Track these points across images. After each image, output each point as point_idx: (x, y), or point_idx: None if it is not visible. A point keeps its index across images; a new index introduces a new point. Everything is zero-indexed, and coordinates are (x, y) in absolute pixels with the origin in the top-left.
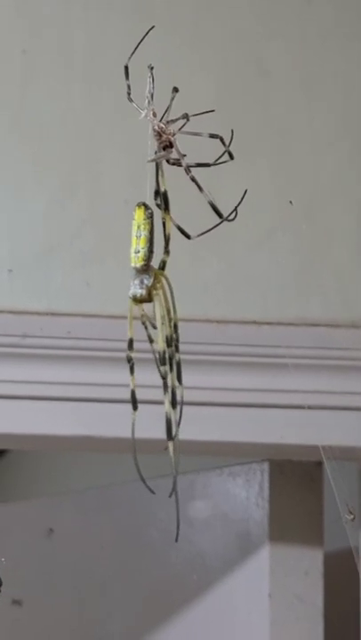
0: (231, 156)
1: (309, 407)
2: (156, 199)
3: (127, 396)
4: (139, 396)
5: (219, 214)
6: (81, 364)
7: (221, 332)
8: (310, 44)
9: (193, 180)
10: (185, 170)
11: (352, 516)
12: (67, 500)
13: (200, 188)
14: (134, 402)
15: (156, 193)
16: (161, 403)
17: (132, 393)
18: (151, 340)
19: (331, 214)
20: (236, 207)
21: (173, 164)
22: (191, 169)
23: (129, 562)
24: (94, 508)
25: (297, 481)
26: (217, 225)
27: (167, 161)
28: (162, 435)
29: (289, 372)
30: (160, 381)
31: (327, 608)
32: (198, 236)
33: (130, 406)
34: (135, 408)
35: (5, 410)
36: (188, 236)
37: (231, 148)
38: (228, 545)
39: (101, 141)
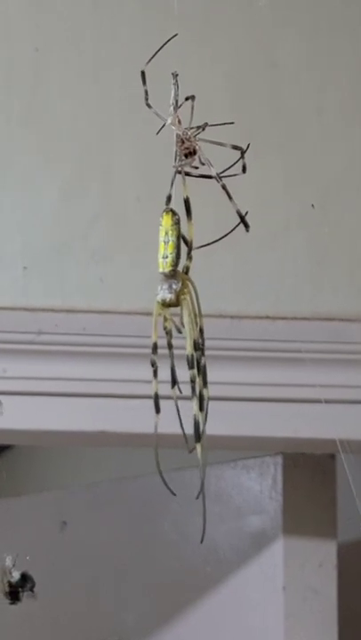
0: (244, 170)
1: (326, 401)
2: (167, 204)
3: (142, 391)
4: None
5: (245, 224)
6: (96, 361)
7: (235, 327)
8: (320, 35)
9: (224, 188)
10: (216, 178)
11: None
12: (80, 493)
13: (230, 197)
14: (157, 405)
15: (169, 199)
16: (178, 398)
17: (156, 396)
18: (170, 347)
19: (344, 208)
20: (242, 219)
21: (198, 175)
22: (222, 178)
23: (142, 555)
24: (108, 500)
25: (310, 473)
26: (220, 239)
27: (187, 173)
28: (178, 430)
29: (304, 366)
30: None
31: (341, 600)
32: (200, 247)
33: (145, 402)
34: (158, 411)
35: (21, 406)
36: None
37: (243, 143)
38: (242, 538)
39: (113, 138)
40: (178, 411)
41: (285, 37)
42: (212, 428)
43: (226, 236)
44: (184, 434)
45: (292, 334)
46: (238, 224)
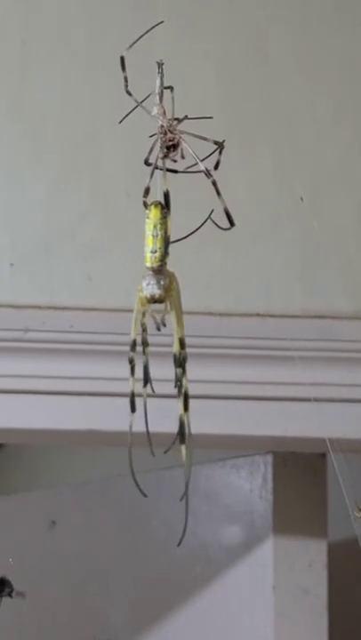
0: (216, 167)
1: (315, 399)
2: (145, 196)
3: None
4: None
5: (231, 222)
6: (83, 358)
7: (224, 325)
8: (311, 29)
9: (214, 184)
10: (205, 174)
11: None
12: (69, 492)
13: (218, 193)
14: (133, 404)
15: (147, 191)
16: (168, 396)
17: (132, 394)
18: (146, 345)
19: (336, 204)
20: (228, 216)
21: (173, 170)
22: (211, 172)
23: (131, 554)
24: (97, 499)
25: (300, 473)
26: (191, 233)
27: (169, 169)
28: (166, 429)
29: (294, 364)
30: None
31: (331, 599)
32: (175, 241)
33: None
34: (133, 410)
35: (8, 404)
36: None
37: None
38: (232, 537)
39: (102, 133)
40: (145, 411)
41: (275, 34)
42: (201, 427)
43: (197, 230)
44: (148, 434)
45: (281, 332)
46: (207, 218)
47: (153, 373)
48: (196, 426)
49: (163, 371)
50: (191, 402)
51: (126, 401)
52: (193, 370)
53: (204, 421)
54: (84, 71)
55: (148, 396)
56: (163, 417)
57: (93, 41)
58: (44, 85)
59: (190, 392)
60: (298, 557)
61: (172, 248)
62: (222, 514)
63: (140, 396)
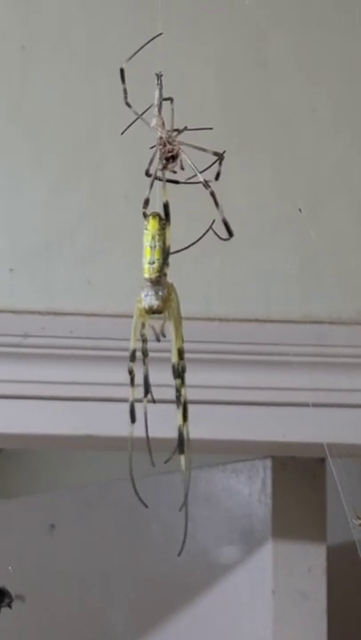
0: (217, 177)
1: (314, 404)
2: (145, 207)
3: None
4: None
5: (229, 232)
6: (83, 364)
7: (223, 330)
8: (310, 30)
9: (212, 195)
10: (203, 185)
11: (360, 522)
12: (68, 496)
13: (217, 204)
14: (132, 414)
15: (146, 202)
16: (167, 402)
17: (132, 405)
18: (145, 355)
19: (334, 209)
20: (227, 226)
21: (168, 180)
22: (210, 183)
23: (131, 558)
24: (96, 503)
25: (300, 477)
26: (192, 244)
27: (168, 180)
28: (165, 434)
29: (292, 369)
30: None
31: (330, 603)
32: (175, 252)
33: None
34: (133, 421)
35: (7, 410)
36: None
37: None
38: (231, 541)
39: (102, 137)
40: (146, 420)
41: (275, 36)
42: (200, 432)
43: (197, 241)
44: (148, 444)
45: (280, 337)
46: (208, 229)
47: (152, 379)
48: (196, 431)
49: (162, 376)
50: (190, 407)
51: (126, 406)
52: (192, 375)
53: (203, 426)
54: (84, 72)
55: (148, 402)
56: (162, 422)
57: (93, 41)
58: (45, 86)
59: (189, 397)
60: (297, 562)
61: (171, 256)
62: (222, 518)
63: (139, 401)
